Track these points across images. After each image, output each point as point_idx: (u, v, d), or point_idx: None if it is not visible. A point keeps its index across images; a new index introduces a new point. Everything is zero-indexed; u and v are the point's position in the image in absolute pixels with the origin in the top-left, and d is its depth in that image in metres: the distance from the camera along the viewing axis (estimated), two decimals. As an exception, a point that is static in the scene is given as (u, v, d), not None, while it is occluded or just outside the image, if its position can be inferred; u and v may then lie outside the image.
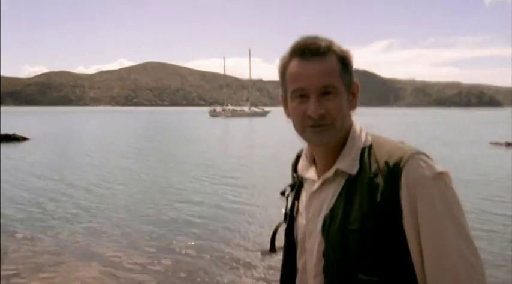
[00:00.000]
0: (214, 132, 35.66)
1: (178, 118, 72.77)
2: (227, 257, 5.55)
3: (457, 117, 78.97)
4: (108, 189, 10.14)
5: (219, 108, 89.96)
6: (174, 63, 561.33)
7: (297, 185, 1.14)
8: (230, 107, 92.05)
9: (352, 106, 1.03)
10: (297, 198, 1.12)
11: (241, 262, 5.38)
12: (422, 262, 0.87)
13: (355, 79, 1.03)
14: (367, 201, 0.91)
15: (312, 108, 0.96)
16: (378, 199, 0.89)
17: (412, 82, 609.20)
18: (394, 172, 0.90)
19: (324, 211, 0.99)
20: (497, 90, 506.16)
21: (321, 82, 0.96)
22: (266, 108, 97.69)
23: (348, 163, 0.98)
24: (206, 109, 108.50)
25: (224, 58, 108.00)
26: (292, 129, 0.89)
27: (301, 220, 1.07)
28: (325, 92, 0.97)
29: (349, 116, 1.03)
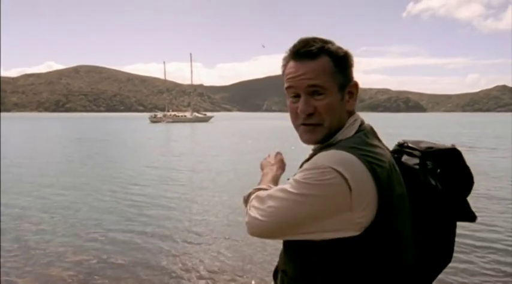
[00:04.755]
0: (155, 138, 33.88)
1: (115, 124, 68.65)
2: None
3: (388, 121, 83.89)
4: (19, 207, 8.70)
5: (160, 114, 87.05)
6: (109, 67, 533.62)
7: None
8: (171, 112, 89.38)
9: (350, 105, 1.07)
10: None
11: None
12: None
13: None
14: None
15: (300, 106, 1.03)
16: None
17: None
18: None
19: None
20: (421, 96, 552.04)
21: (307, 82, 1.02)
22: (209, 114, 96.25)
23: None
24: (146, 115, 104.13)
25: (164, 63, 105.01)
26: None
27: None
28: (315, 92, 1.02)
29: (345, 114, 1.06)
